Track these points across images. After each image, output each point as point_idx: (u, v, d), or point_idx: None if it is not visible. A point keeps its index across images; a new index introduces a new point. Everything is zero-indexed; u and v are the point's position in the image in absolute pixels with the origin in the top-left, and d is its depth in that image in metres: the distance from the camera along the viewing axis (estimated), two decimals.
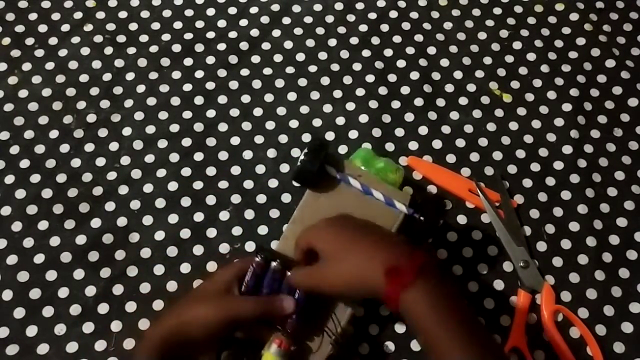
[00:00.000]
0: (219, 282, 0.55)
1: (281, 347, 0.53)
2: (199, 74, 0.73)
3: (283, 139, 0.70)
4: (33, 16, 0.76)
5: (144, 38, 0.75)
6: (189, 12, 0.76)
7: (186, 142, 0.69)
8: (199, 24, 0.76)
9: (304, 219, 0.57)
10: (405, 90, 0.72)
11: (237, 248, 0.64)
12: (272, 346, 0.53)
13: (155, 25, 0.75)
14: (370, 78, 0.73)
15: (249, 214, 0.66)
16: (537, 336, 0.61)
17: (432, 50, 0.75)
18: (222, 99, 0.71)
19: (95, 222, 0.65)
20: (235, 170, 0.68)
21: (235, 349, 0.55)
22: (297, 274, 0.54)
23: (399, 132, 0.70)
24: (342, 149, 0.69)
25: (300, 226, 0.56)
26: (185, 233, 0.65)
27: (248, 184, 0.67)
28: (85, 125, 0.70)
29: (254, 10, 0.77)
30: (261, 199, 0.67)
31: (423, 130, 0.70)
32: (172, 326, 0.52)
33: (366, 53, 0.74)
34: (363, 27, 0.76)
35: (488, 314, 0.62)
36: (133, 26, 0.75)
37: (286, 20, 0.76)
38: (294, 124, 0.70)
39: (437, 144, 0.70)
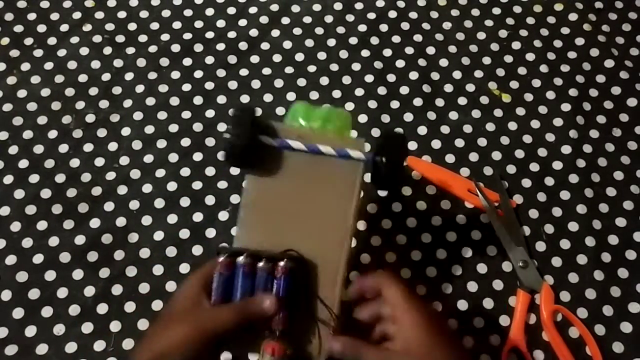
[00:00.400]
0: (184, 297, 0.49)
1: (275, 354, 0.48)
2: (198, 74, 0.73)
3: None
4: (32, 16, 0.76)
5: (143, 38, 0.75)
6: (188, 12, 0.76)
7: (185, 142, 0.69)
8: (198, 24, 0.76)
9: (256, 202, 0.50)
10: (404, 90, 0.72)
11: None
12: (265, 356, 0.48)
13: (155, 25, 0.75)
14: (369, 78, 0.73)
15: None
16: (536, 336, 0.61)
17: (431, 50, 0.75)
18: (222, 99, 0.71)
19: (94, 222, 0.65)
20: (235, 170, 0.68)
21: None
22: (366, 351, 0.47)
23: (398, 132, 0.70)
24: None
25: (254, 211, 0.50)
26: (184, 233, 0.65)
27: None
28: (84, 125, 0.70)
29: (253, 10, 0.77)
30: None
31: (422, 130, 0.70)
32: None
33: (365, 53, 0.74)
34: (362, 27, 0.76)
35: (487, 314, 0.62)
36: (132, 26, 0.75)
37: (285, 20, 0.76)
38: None
39: (436, 144, 0.70)
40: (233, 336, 0.49)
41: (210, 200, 0.66)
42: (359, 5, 0.77)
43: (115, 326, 0.61)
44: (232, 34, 0.75)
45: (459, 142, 0.70)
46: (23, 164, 0.67)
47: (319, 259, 0.50)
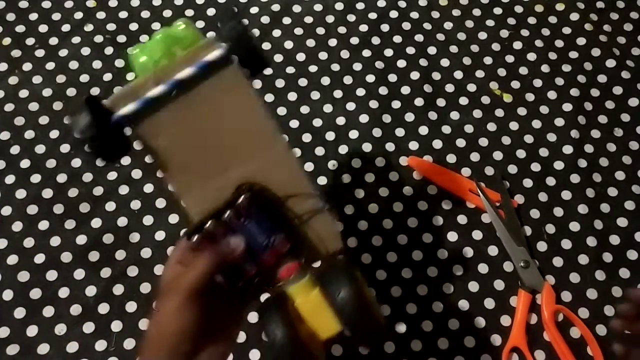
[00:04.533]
0: (167, 275, 0.47)
1: (291, 274, 0.45)
2: None
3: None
4: (33, 16, 0.76)
5: (144, 38, 0.75)
6: (189, 12, 0.76)
7: None
8: (199, 24, 0.76)
9: (176, 169, 0.45)
10: (405, 90, 0.72)
11: None
12: (287, 281, 0.45)
13: (156, 26, 0.75)
14: (370, 78, 0.73)
15: None
16: (537, 336, 0.61)
17: (432, 50, 0.75)
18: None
19: (96, 222, 0.65)
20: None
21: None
22: None
23: (399, 132, 0.70)
24: (343, 149, 0.69)
25: (180, 177, 0.45)
26: None
27: None
28: None
29: (254, 10, 0.77)
30: None
31: (423, 130, 0.70)
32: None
33: (366, 53, 0.74)
34: (363, 27, 0.76)
35: (488, 314, 0.62)
36: (133, 26, 0.75)
37: (286, 20, 0.76)
38: (294, 124, 0.70)
39: (437, 144, 0.70)
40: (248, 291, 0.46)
41: None
42: (360, 5, 0.77)
43: (116, 326, 0.61)
44: None
45: (460, 142, 0.70)
46: (25, 163, 0.68)
47: (269, 171, 0.46)
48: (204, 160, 0.46)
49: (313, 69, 0.73)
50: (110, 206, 0.66)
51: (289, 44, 0.75)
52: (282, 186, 0.46)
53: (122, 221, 0.65)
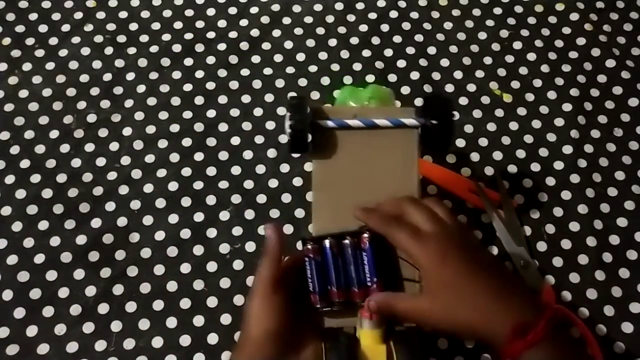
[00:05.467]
0: (262, 284, 0.49)
1: (372, 318, 0.48)
2: (199, 74, 0.73)
3: (283, 139, 0.69)
4: (33, 16, 0.76)
5: (144, 38, 0.75)
6: (189, 12, 0.76)
7: (186, 142, 0.69)
8: (199, 24, 0.76)
9: (325, 184, 0.52)
10: (405, 90, 0.72)
11: (237, 248, 0.64)
12: (364, 322, 0.48)
13: (156, 25, 0.76)
14: (370, 78, 0.73)
15: (249, 214, 0.66)
16: None
17: (432, 50, 0.75)
18: (223, 99, 0.71)
19: (96, 222, 0.65)
20: (236, 170, 0.68)
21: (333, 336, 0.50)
22: (396, 302, 0.47)
23: None
24: None
25: (325, 193, 0.52)
26: (185, 233, 0.65)
27: (248, 184, 0.67)
28: (85, 125, 0.70)
29: (254, 10, 0.77)
30: (261, 199, 0.67)
31: None
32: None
33: (366, 53, 0.74)
34: (363, 27, 0.76)
35: None
36: (133, 26, 0.75)
37: (286, 20, 0.76)
38: None
39: None
40: (328, 313, 0.50)
41: (211, 200, 0.66)
42: (360, 5, 0.77)
43: (116, 326, 0.61)
44: (233, 34, 0.75)
45: (460, 142, 0.70)
46: (24, 164, 0.68)
47: None
48: (350, 193, 0.52)
49: (313, 69, 0.73)
50: (110, 206, 0.66)
51: (289, 44, 0.75)
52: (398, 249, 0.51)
53: (121, 221, 0.65)
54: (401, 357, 0.47)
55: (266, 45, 0.75)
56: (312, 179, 0.53)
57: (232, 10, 0.77)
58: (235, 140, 0.69)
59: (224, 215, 0.66)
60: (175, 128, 0.70)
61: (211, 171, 0.68)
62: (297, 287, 0.50)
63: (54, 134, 0.69)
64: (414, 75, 0.73)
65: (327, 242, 0.50)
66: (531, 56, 0.75)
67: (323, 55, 0.74)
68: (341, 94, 0.57)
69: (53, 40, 0.74)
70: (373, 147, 0.52)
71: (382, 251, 0.50)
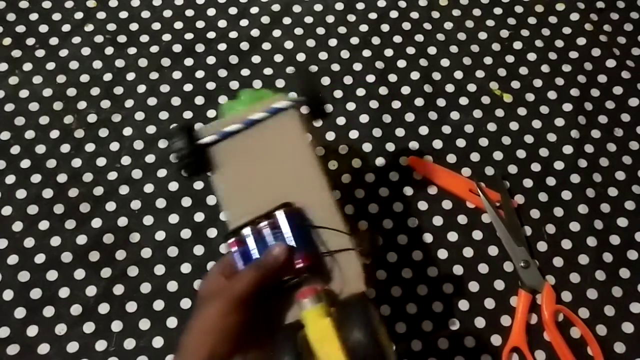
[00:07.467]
0: (209, 286, 0.49)
1: (306, 297, 0.46)
2: (200, 74, 0.73)
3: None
4: (34, 16, 0.76)
5: (144, 38, 0.75)
6: (189, 12, 0.76)
7: None
8: (200, 24, 0.76)
9: (230, 186, 0.52)
10: (405, 90, 0.72)
11: None
12: (302, 302, 0.46)
13: (156, 26, 0.76)
14: (370, 78, 0.73)
15: None
16: (537, 336, 0.61)
17: (432, 50, 0.75)
18: (223, 99, 0.72)
19: (96, 222, 0.65)
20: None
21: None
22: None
23: (400, 132, 0.70)
24: (343, 149, 0.69)
25: (232, 193, 0.52)
26: (185, 233, 0.65)
27: None
28: (85, 125, 0.70)
29: (254, 10, 0.77)
30: None
31: (423, 130, 0.70)
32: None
33: (366, 53, 0.74)
34: (363, 27, 0.76)
35: (488, 314, 0.62)
36: (134, 26, 0.75)
37: (287, 21, 0.76)
38: None
39: (437, 144, 0.70)
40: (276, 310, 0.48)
41: (211, 200, 0.66)
42: (360, 5, 0.77)
43: (116, 326, 0.61)
44: (233, 34, 0.75)
45: (460, 142, 0.70)
46: (25, 164, 0.68)
47: (308, 209, 0.51)
48: (255, 187, 0.52)
49: (313, 69, 0.73)
50: (110, 206, 0.66)
51: (289, 44, 0.75)
52: (318, 223, 0.51)
53: (122, 221, 0.65)
54: (349, 322, 0.45)
55: (266, 46, 0.75)
56: (217, 195, 0.52)
57: (233, 11, 0.77)
58: None
59: (225, 216, 0.66)
60: None
61: None
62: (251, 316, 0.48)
63: (55, 134, 0.69)
64: (414, 75, 0.73)
65: (245, 231, 0.49)
66: (531, 56, 0.75)
67: (323, 55, 0.74)
68: (224, 109, 0.56)
69: (53, 40, 0.74)
70: (265, 141, 0.53)
71: (300, 223, 0.49)
